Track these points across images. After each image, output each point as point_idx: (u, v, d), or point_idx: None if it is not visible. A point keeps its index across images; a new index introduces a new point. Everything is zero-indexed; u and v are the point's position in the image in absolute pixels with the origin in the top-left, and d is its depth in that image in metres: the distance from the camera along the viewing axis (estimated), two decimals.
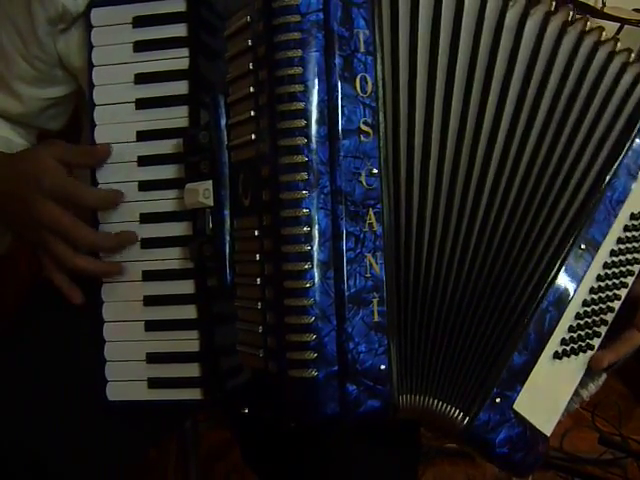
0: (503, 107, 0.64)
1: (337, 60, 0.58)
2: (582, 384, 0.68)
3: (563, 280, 0.64)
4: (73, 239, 0.67)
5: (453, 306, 0.63)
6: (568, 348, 0.65)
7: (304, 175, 0.57)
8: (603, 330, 0.67)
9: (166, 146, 0.70)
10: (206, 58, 0.69)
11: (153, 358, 0.71)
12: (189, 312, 0.70)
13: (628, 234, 0.68)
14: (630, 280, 0.69)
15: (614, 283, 0.67)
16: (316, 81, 0.58)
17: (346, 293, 0.58)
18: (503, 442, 0.62)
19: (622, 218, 0.67)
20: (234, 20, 0.63)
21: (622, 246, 0.68)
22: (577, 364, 0.67)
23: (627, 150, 0.67)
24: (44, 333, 0.75)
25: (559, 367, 0.65)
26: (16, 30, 0.77)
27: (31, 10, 0.74)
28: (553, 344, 0.64)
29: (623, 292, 0.68)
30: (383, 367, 0.59)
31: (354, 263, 0.58)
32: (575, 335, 0.66)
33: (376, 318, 0.59)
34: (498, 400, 0.62)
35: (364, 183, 0.59)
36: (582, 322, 0.66)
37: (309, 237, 0.57)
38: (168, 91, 0.70)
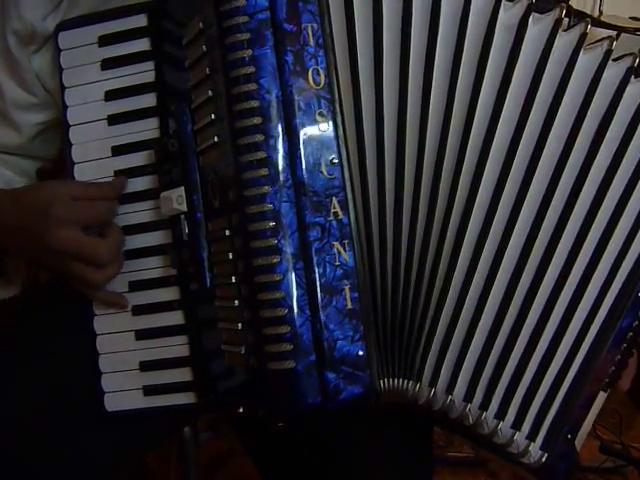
0: (456, 82, 0.63)
1: (288, 56, 0.59)
2: None
3: None
4: (95, 252, 0.66)
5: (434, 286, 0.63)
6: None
7: (265, 171, 0.58)
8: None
9: (141, 158, 0.72)
10: (172, 68, 0.71)
11: (146, 366, 0.72)
12: (177, 318, 0.71)
13: None
14: None
15: None
16: (269, 78, 0.59)
17: (317, 283, 0.58)
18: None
19: None
20: (189, 28, 0.65)
21: None
22: None
23: None
24: (42, 336, 0.76)
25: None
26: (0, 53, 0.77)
27: (4, 30, 0.75)
28: None
29: None
30: (361, 353, 0.59)
31: (322, 253, 0.59)
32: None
33: (349, 305, 0.59)
34: (570, 436, 0.64)
35: (325, 173, 0.59)
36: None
37: (275, 231, 0.58)
38: (138, 105, 0.72)
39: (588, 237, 0.63)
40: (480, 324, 0.63)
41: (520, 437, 0.63)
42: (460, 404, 0.63)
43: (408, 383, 0.62)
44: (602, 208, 0.63)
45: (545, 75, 0.63)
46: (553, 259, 0.63)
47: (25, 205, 0.68)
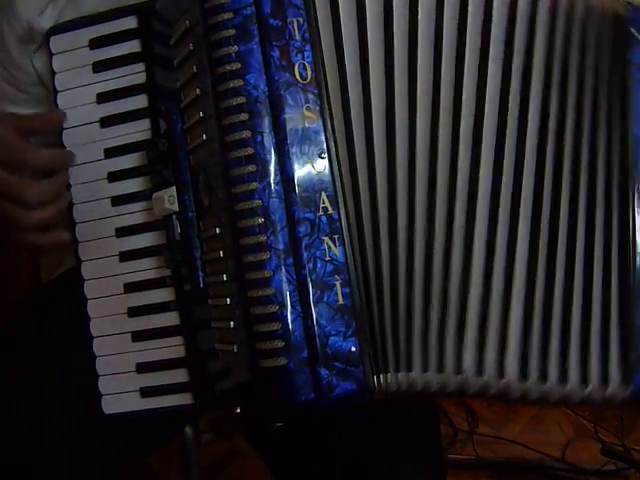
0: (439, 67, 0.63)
1: (274, 51, 0.59)
2: None
3: None
4: (20, 193, 0.65)
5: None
6: None
7: (252, 167, 0.58)
8: None
9: (133, 159, 0.72)
10: (162, 69, 0.71)
11: (143, 368, 0.72)
12: (172, 319, 0.71)
13: None
14: None
15: None
16: (255, 74, 0.58)
17: (308, 278, 0.58)
18: None
19: None
20: (177, 27, 0.65)
21: None
22: None
23: None
24: (42, 340, 0.77)
25: None
26: None
27: (2, 32, 0.76)
28: None
29: None
30: (354, 349, 0.58)
31: (312, 248, 0.58)
32: None
33: (341, 301, 0.59)
34: None
35: (314, 168, 0.59)
36: None
37: (264, 227, 0.58)
38: (129, 106, 0.72)
39: None
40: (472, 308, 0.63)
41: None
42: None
43: (405, 375, 0.61)
44: None
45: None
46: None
47: None
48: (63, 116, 0.72)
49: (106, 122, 0.72)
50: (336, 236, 0.59)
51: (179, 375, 0.71)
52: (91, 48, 0.73)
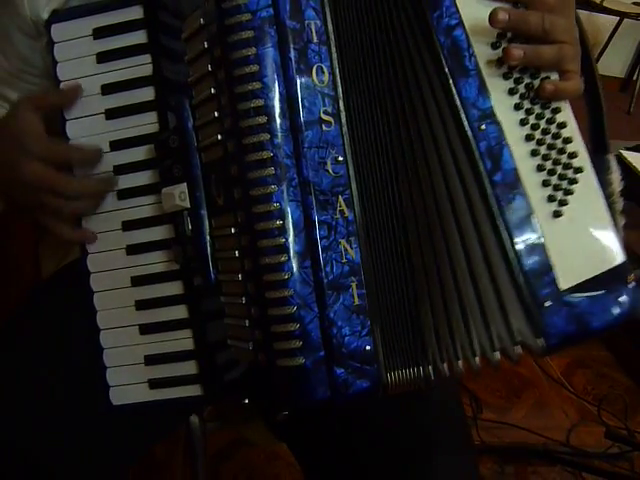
0: None
1: (292, 53, 0.59)
2: (603, 185, 0.65)
3: (494, 164, 0.62)
4: (60, 189, 0.69)
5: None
6: (559, 195, 0.63)
7: (271, 170, 0.58)
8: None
9: (139, 153, 0.71)
10: (169, 61, 0.70)
11: (151, 360, 0.73)
12: (180, 312, 0.72)
13: (513, 79, 0.63)
14: (564, 115, 0.64)
15: (547, 128, 0.63)
16: (273, 76, 0.58)
17: (324, 280, 0.59)
18: (587, 319, 0.62)
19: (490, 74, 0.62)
20: (189, 22, 0.64)
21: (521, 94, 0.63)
22: (581, 192, 0.64)
23: None
24: (45, 334, 0.77)
25: (568, 215, 0.63)
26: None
27: (7, 29, 0.75)
28: (543, 212, 0.62)
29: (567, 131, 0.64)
30: (368, 348, 0.60)
31: (329, 250, 0.59)
32: (555, 182, 0.63)
33: (356, 301, 0.60)
34: (548, 304, 0.61)
35: (331, 171, 0.60)
36: (546, 166, 0.63)
37: (283, 230, 0.59)
38: (135, 98, 0.71)
39: None
40: None
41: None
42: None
43: (418, 369, 0.63)
44: None
45: None
46: None
47: (3, 136, 0.71)
48: (78, 87, 0.71)
49: (111, 114, 0.72)
50: (352, 238, 0.60)
51: (188, 367, 0.72)
52: (95, 38, 0.71)
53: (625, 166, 1.34)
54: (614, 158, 0.69)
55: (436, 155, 0.63)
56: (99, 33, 0.71)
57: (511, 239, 0.62)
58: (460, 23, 0.62)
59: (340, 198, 0.60)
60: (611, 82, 3.97)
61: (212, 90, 0.62)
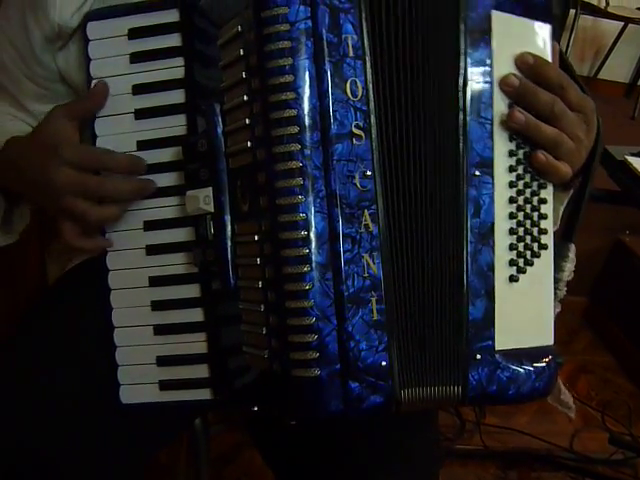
0: None
1: (327, 66, 0.59)
2: (556, 268, 0.68)
3: (476, 211, 0.63)
4: (92, 189, 0.69)
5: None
6: (520, 262, 0.65)
7: (299, 180, 0.59)
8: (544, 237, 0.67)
9: (166, 154, 0.72)
10: (201, 66, 0.70)
11: (163, 361, 0.73)
12: (196, 315, 0.72)
13: (516, 143, 0.65)
14: (547, 192, 0.67)
15: (530, 199, 0.66)
16: (307, 88, 0.59)
17: (345, 293, 0.59)
18: (506, 386, 0.63)
19: (499, 130, 0.64)
20: (226, 29, 0.65)
21: (518, 159, 0.65)
22: (538, 267, 0.66)
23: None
24: (54, 335, 0.77)
25: (522, 284, 0.65)
26: (15, 50, 0.78)
27: (27, 30, 0.76)
28: (502, 273, 0.64)
29: (545, 208, 0.67)
30: (384, 363, 0.60)
31: (352, 264, 0.60)
32: (520, 249, 0.65)
33: (375, 316, 0.60)
34: (479, 356, 0.63)
35: (358, 185, 0.60)
36: (518, 232, 0.65)
37: (307, 241, 0.59)
38: (165, 100, 0.72)
39: None
40: None
41: None
42: None
43: (437, 389, 0.63)
44: None
45: None
46: None
47: (38, 144, 0.71)
48: (105, 85, 0.72)
49: (140, 114, 0.72)
50: (375, 253, 0.60)
51: (200, 370, 0.72)
52: (130, 38, 0.72)
53: (630, 172, 1.34)
54: (574, 250, 0.73)
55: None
56: (134, 33, 0.72)
57: (467, 284, 0.63)
58: (491, 73, 0.63)
59: (366, 212, 0.60)
60: (615, 87, 3.97)
61: (245, 97, 0.62)
